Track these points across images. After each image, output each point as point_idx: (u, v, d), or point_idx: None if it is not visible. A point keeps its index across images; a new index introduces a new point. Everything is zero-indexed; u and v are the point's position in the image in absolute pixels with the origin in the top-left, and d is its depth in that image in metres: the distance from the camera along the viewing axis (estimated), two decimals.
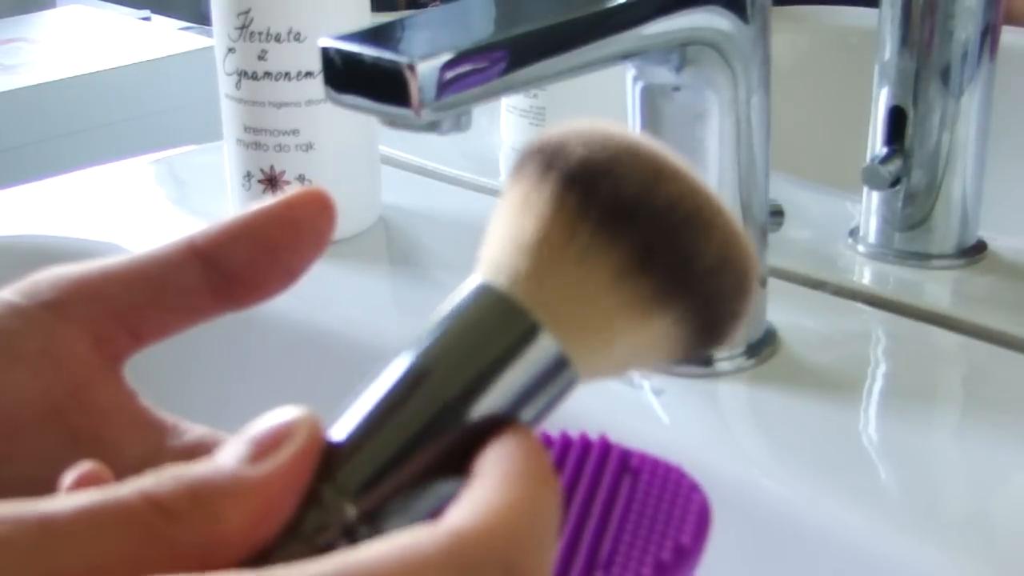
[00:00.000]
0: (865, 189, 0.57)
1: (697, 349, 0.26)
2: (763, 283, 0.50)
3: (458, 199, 0.67)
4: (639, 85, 0.46)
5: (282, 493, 0.23)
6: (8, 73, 0.98)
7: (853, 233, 0.59)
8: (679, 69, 0.45)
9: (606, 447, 0.29)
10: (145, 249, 0.28)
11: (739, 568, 0.43)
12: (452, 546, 0.21)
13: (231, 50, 0.60)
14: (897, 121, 0.56)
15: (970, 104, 0.55)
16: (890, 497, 0.43)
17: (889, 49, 0.55)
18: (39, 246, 0.66)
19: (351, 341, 0.54)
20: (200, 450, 0.27)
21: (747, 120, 0.46)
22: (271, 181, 0.61)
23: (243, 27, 0.59)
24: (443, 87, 0.37)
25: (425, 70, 0.37)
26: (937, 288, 0.56)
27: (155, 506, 0.22)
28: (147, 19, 1.16)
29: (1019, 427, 0.45)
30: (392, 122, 0.38)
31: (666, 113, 0.46)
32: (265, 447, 0.23)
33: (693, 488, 0.28)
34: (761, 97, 0.47)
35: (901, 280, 0.56)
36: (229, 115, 0.62)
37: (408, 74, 0.37)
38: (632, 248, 0.24)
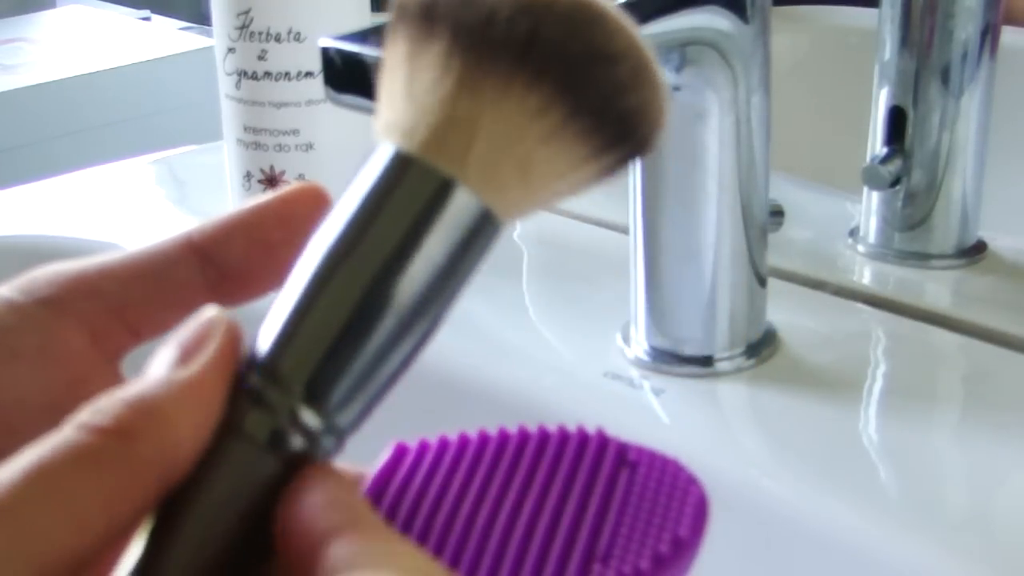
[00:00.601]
0: (865, 189, 0.57)
1: (613, 172, 0.26)
2: (763, 283, 0.50)
3: None
4: None
5: (219, 383, 0.24)
6: (8, 73, 0.98)
7: (853, 233, 0.59)
8: (679, 69, 0.45)
9: (603, 440, 0.29)
10: (142, 245, 0.28)
11: (739, 568, 0.43)
12: None
13: (231, 50, 0.60)
14: (897, 121, 0.56)
15: (970, 104, 0.55)
16: (890, 497, 0.43)
17: (889, 49, 0.55)
18: (39, 246, 0.66)
19: None
20: None
21: (747, 120, 0.46)
22: (271, 181, 0.61)
23: (243, 27, 0.59)
24: None
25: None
26: (937, 288, 0.56)
27: (107, 434, 0.22)
28: (147, 19, 1.16)
29: (1019, 427, 0.45)
30: None
31: None
32: (190, 348, 0.24)
33: (691, 481, 0.28)
34: (761, 97, 0.47)
35: (901, 280, 0.56)
36: (229, 115, 0.62)
37: None
38: (547, 91, 0.24)
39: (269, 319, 0.24)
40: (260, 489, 0.24)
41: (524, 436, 0.29)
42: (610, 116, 0.25)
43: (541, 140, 0.25)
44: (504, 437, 0.29)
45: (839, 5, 0.80)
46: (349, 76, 0.38)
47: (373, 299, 0.24)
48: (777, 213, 0.53)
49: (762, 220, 0.49)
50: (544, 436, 0.29)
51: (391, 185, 0.24)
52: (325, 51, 0.39)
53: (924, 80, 0.54)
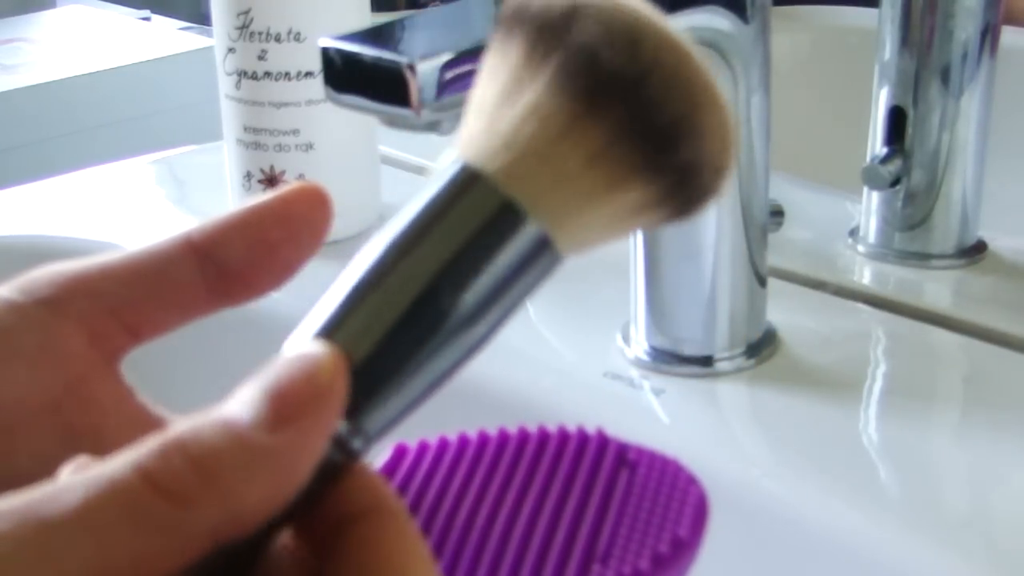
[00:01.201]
0: (865, 189, 0.57)
1: (674, 219, 0.26)
2: (763, 283, 0.50)
3: None
4: None
5: (305, 461, 0.22)
6: (8, 73, 0.98)
7: (853, 233, 0.59)
8: None
9: (603, 441, 0.29)
10: (141, 245, 0.28)
11: (739, 568, 0.43)
12: None
13: (231, 50, 0.60)
14: (897, 121, 0.56)
15: (970, 104, 0.54)
16: (890, 497, 0.43)
17: (889, 49, 0.55)
18: (39, 246, 0.66)
19: None
20: None
21: (747, 120, 0.46)
22: (271, 181, 0.61)
23: (243, 27, 0.59)
24: (443, 87, 0.37)
25: (425, 70, 0.37)
26: (937, 288, 0.56)
27: (163, 492, 0.20)
28: (147, 19, 1.16)
29: (1019, 427, 0.45)
30: (392, 122, 0.38)
31: None
32: (288, 409, 0.21)
33: (690, 481, 0.28)
34: (761, 97, 0.47)
35: (901, 280, 0.56)
36: (229, 115, 0.62)
37: (408, 74, 0.37)
38: (614, 125, 0.24)
39: (309, 318, 0.24)
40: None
41: (524, 436, 0.29)
42: (683, 181, 0.25)
43: (606, 177, 0.25)
44: (504, 437, 0.29)
45: (839, 5, 0.79)
46: (349, 76, 0.38)
47: (417, 313, 0.23)
48: (777, 213, 0.53)
49: (762, 220, 0.49)
50: (544, 436, 0.29)
51: (454, 199, 0.24)
52: (325, 51, 0.39)
53: (924, 80, 0.54)
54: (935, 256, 0.57)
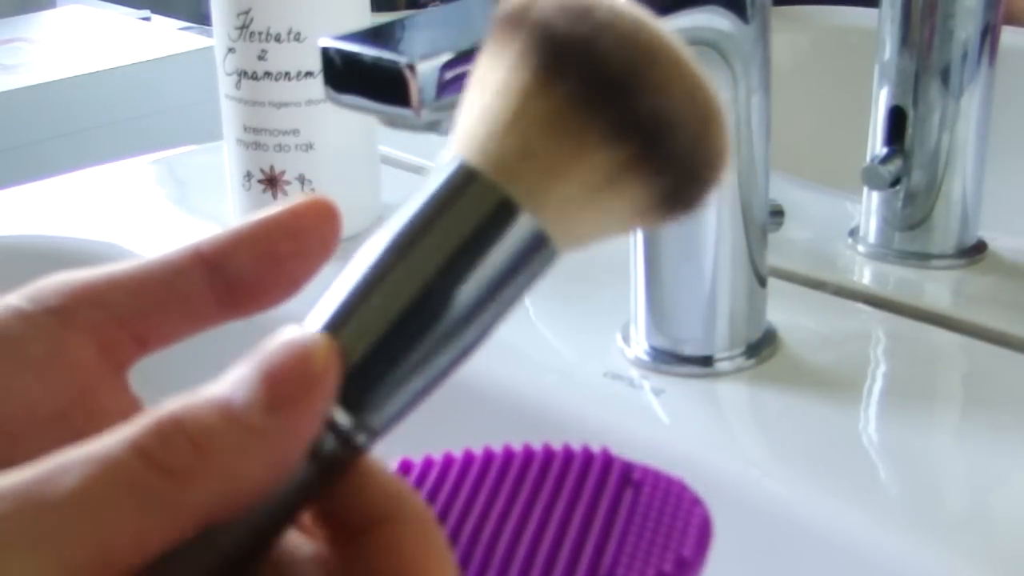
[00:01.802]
0: (865, 189, 0.57)
1: (670, 217, 0.26)
2: (763, 283, 0.50)
3: None
4: None
5: (298, 441, 0.22)
6: (8, 73, 0.98)
7: (853, 233, 0.59)
8: None
9: (608, 459, 0.29)
10: (150, 256, 0.28)
11: (739, 568, 0.43)
12: None
13: (231, 50, 0.60)
14: (897, 121, 0.56)
15: (970, 104, 0.55)
16: (890, 497, 0.43)
17: (889, 49, 0.55)
18: (39, 246, 0.66)
19: None
20: None
21: (747, 120, 0.46)
22: (271, 181, 0.61)
23: (243, 27, 0.59)
24: (443, 87, 0.37)
25: (425, 70, 0.37)
26: (937, 288, 0.56)
27: (160, 469, 0.21)
28: (147, 19, 1.16)
29: (1019, 427, 0.45)
30: (392, 122, 0.38)
31: None
32: (282, 391, 0.22)
33: (695, 501, 0.28)
34: (761, 97, 0.47)
35: (901, 280, 0.56)
36: (229, 115, 0.62)
37: (408, 74, 0.37)
38: (609, 122, 0.24)
39: (312, 315, 0.24)
40: (287, 485, 0.23)
41: (529, 454, 0.29)
42: (679, 174, 0.25)
43: (604, 175, 0.25)
44: (509, 455, 0.29)
45: (839, 5, 0.80)
46: (349, 76, 0.38)
47: (417, 308, 0.24)
48: (777, 213, 0.53)
49: (762, 220, 0.49)
50: (549, 454, 0.29)
51: (451, 197, 0.24)
52: (325, 51, 0.39)
53: (924, 80, 0.54)
54: (935, 256, 0.57)
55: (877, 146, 0.57)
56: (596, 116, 0.24)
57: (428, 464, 0.28)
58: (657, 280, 0.49)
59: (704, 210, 0.47)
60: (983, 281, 0.56)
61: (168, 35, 1.08)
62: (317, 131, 0.60)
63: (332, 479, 0.24)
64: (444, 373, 0.25)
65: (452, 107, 0.38)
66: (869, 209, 0.58)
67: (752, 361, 0.50)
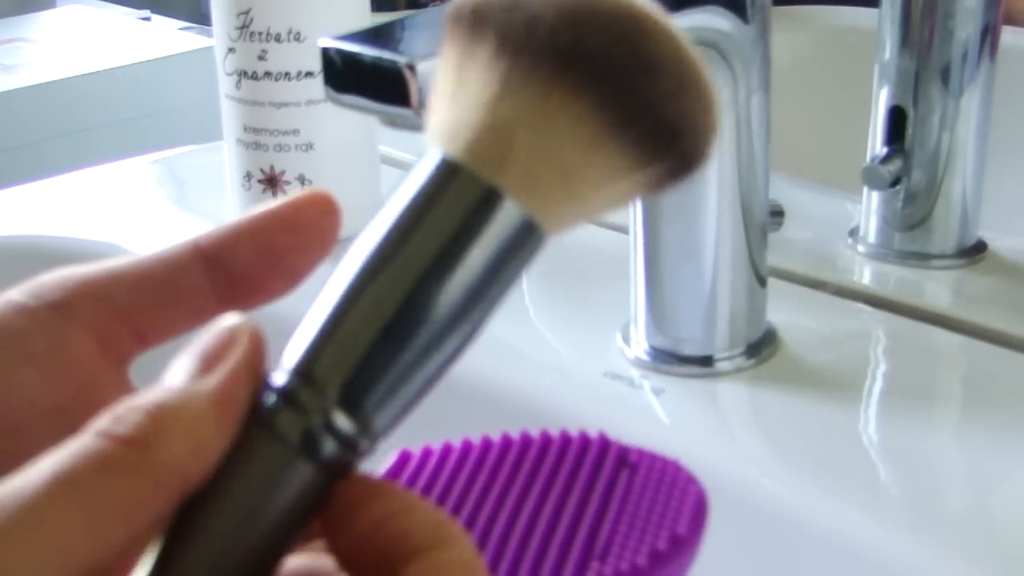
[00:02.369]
0: (865, 189, 0.57)
1: (663, 185, 0.26)
2: (763, 283, 0.50)
3: None
4: None
5: (239, 396, 0.24)
6: (8, 73, 0.98)
7: (853, 233, 0.59)
8: None
9: (605, 443, 0.29)
10: (150, 251, 0.28)
11: (739, 568, 0.43)
12: None
13: (231, 50, 0.60)
14: (897, 121, 0.56)
15: (970, 104, 0.55)
16: (890, 497, 0.43)
17: (889, 49, 0.55)
18: (39, 246, 0.66)
19: None
20: None
21: (747, 120, 0.46)
22: (271, 181, 0.61)
23: (243, 27, 0.59)
24: None
25: (425, 70, 0.37)
26: (937, 288, 0.56)
27: (126, 443, 0.22)
28: (147, 19, 1.16)
29: (1019, 427, 0.45)
30: (392, 122, 0.38)
31: None
32: (211, 357, 0.24)
33: (690, 480, 0.28)
34: (761, 97, 0.47)
35: (901, 280, 0.56)
36: (229, 115, 0.62)
37: (408, 74, 0.37)
38: (589, 100, 0.24)
39: (307, 319, 0.24)
40: (287, 491, 0.23)
41: (527, 440, 0.29)
42: (654, 126, 0.25)
43: (583, 149, 0.25)
44: (507, 442, 0.29)
45: (839, 5, 0.80)
46: (349, 76, 0.38)
47: (413, 305, 0.24)
48: (777, 213, 0.53)
49: (762, 220, 0.49)
50: (546, 440, 0.29)
51: (437, 192, 0.24)
52: (325, 51, 0.39)
53: (924, 80, 0.54)
54: (935, 256, 0.57)
55: (877, 146, 0.57)
56: (582, 102, 0.24)
57: (427, 453, 0.29)
58: (657, 280, 0.49)
59: (701, 205, 0.47)
60: (983, 281, 0.56)
61: (168, 35, 1.08)
62: (317, 131, 0.60)
63: (336, 484, 0.24)
64: (443, 368, 0.25)
65: None
66: (869, 209, 0.58)
67: (752, 361, 0.50)
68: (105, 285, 0.27)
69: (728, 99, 0.46)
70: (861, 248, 0.58)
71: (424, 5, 0.86)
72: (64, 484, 0.21)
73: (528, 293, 0.58)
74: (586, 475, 0.28)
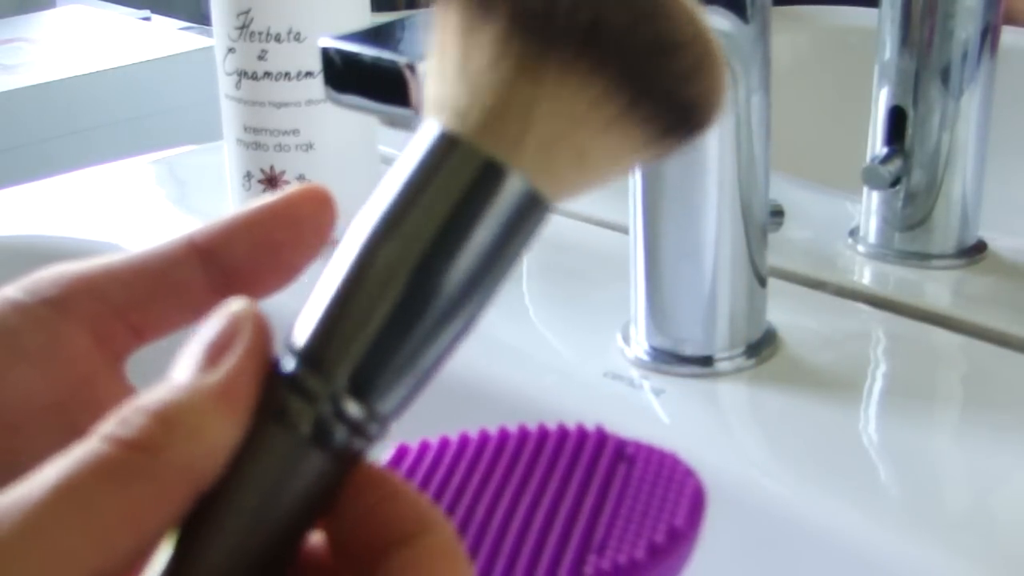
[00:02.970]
0: (865, 189, 0.57)
1: (668, 151, 0.25)
2: (763, 283, 0.50)
3: None
4: None
5: (249, 386, 0.23)
6: (8, 73, 0.98)
7: (853, 233, 0.59)
8: None
9: (602, 436, 0.29)
10: (145, 246, 0.28)
11: (739, 567, 0.43)
12: None
13: (231, 50, 0.60)
14: (897, 121, 0.56)
15: (970, 104, 0.55)
16: (890, 497, 0.43)
17: (889, 49, 0.55)
18: (39, 246, 0.66)
19: None
20: None
21: (747, 120, 0.46)
22: (271, 181, 0.61)
23: (243, 27, 0.59)
24: None
25: (425, 70, 0.37)
26: (937, 288, 0.56)
27: (131, 447, 0.22)
28: (147, 19, 1.16)
29: (1019, 427, 0.45)
30: (392, 122, 0.38)
31: None
32: (216, 349, 0.23)
33: (688, 473, 0.28)
34: (761, 97, 0.47)
35: (901, 280, 0.56)
36: (229, 115, 0.62)
37: (408, 74, 0.37)
38: (606, 81, 0.24)
39: (310, 304, 0.24)
40: (301, 481, 0.23)
41: (524, 434, 0.29)
42: (671, 105, 0.25)
43: (598, 127, 0.24)
44: (504, 436, 0.29)
45: (839, 5, 0.80)
46: (349, 76, 0.38)
47: (418, 284, 0.23)
48: (777, 213, 0.53)
49: (762, 220, 0.49)
50: (543, 434, 0.29)
51: (436, 166, 0.24)
52: (325, 51, 0.39)
53: (924, 80, 0.54)
54: (935, 256, 0.57)
55: (877, 146, 0.57)
56: (582, 68, 0.24)
57: (424, 447, 0.29)
58: (657, 280, 0.49)
59: (701, 205, 0.47)
60: (983, 281, 0.56)
61: (168, 35, 1.08)
62: (317, 131, 0.60)
63: (348, 473, 0.24)
64: (449, 348, 0.24)
65: None
66: (869, 209, 0.58)
67: (752, 361, 0.50)
68: (100, 281, 0.27)
69: (728, 99, 0.46)
70: (861, 248, 0.58)
71: (424, 5, 0.86)
72: (68, 492, 0.21)
73: (528, 293, 0.58)
74: (583, 468, 0.28)
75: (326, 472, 0.23)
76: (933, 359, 0.52)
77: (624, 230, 0.51)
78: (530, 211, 0.24)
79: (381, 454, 0.28)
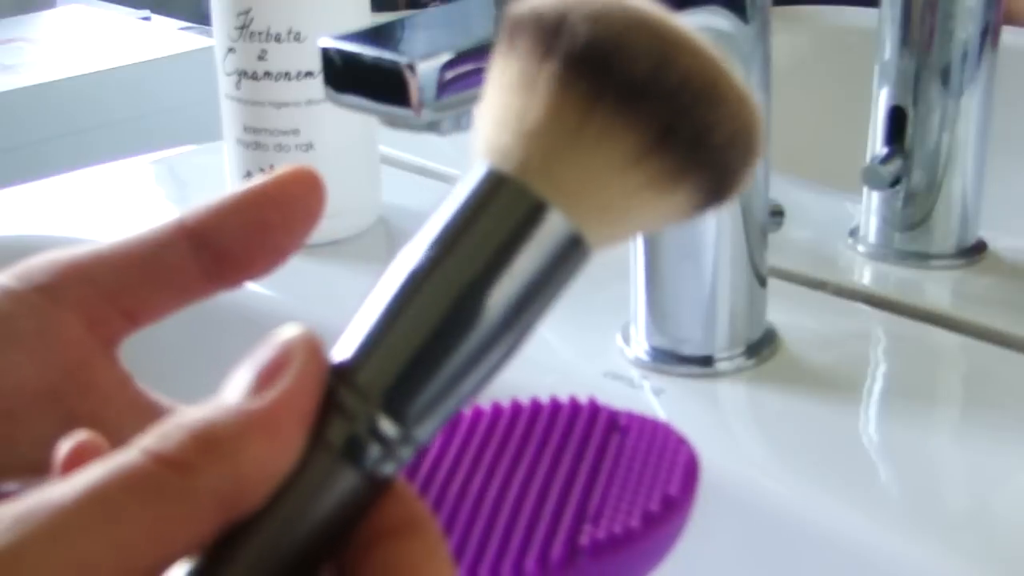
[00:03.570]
0: (865, 189, 0.57)
1: (700, 212, 0.26)
2: (763, 283, 0.50)
3: None
4: None
5: (293, 418, 0.22)
6: (8, 73, 0.98)
7: (853, 233, 0.59)
8: None
9: (595, 408, 0.29)
10: (136, 231, 0.28)
11: (738, 567, 0.43)
12: None
13: (231, 50, 0.60)
14: (897, 121, 0.56)
15: (970, 104, 0.55)
16: (890, 497, 0.43)
17: (889, 49, 0.55)
18: (39, 246, 0.66)
19: None
20: None
21: None
22: None
23: (243, 27, 0.59)
24: (443, 87, 0.37)
25: (425, 70, 0.37)
26: (937, 288, 0.56)
27: (166, 464, 0.21)
28: (147, 19, 1.16)
29: (1019, 427, 0.45)
30: (392, 122, 0.38)
31: None
32: (267, 375, 0.23)
33: (680, 442, 0.28)
34: (761, 97, 0.47)
35: (901, 280, 0.56)
36: (229, 115, 0.62)
37: (408, 74, 0.37)
38: (644, 128, 0.24)
39: (353, 324, 0.24)
40: (328, 497, 0.23)
41: (517, 408, 0.29)
42: (712, 168, 0.25)
43: (631, 169, 0.25)
44: (497, 410, 0.29)
45: (839, 5, 0.80)
46: (349, 76, 0.38)
47: (459, 313, 0.24)
48: (777, 213, 0.53)
49: (762, 220, 0.49)
50: (536, 407, 0.29)
51: (486, 203, 0.24)
52: (325, 51, 0.39)
53: (924, 80, 0.54)
54: (935, 256, 0.57)
55: (877, 146, 0.57)
56: (632, 123, 0.24)
57: None
58: (657, 280, 0.49)
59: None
60: (983, 281, 0.56)
61: (168, 35, 1.08)
62: (317, 131, 0.60)
63: (377, 497, 0.23)
64: (484, 379, 0.25)
65: (452, 107, 0.38)
66: (869, 209, 0.58)
67: (752, 361, 0.50)
68: (91, 267, 0.27)
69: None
70: (861, 248, 0.58)
71: (424, 5, 0.86)
72: (96, 500, 0.21)
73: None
74: (577, 440, 0.28)
75: (356, 491, 0.23)
76: (933, 359, 0.52)
77: None
78: (571, 253, 0.25)
79: None
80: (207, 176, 0.73)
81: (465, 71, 0.38)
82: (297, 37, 0.59)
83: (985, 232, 0.57)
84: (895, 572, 0.40)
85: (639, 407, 0.48)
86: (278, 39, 0.59)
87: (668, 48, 0.24)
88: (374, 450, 0.23)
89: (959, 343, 0.52)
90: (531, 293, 0.25)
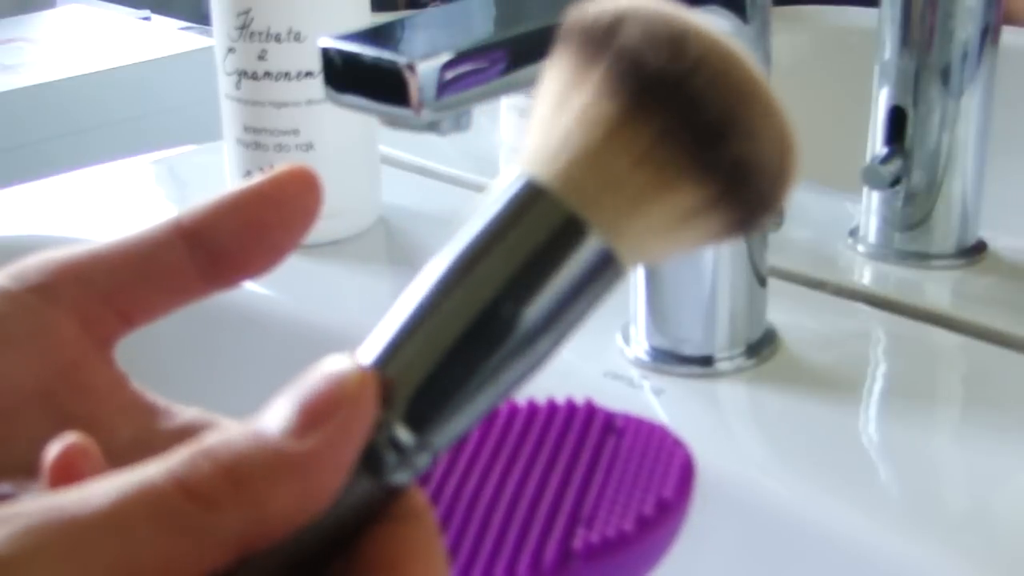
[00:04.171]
0: (865, 189, 0.57)
1: (735, 229, 0.26)
2: (763, 283, 0.50)
3: (458, 199, 0.67)
4: None
5: (331, 468, 0.21)
6: (8, 73, 0.98)
7: (853, 233, 0.59)
8: None
9: (591, 410, 0.29)
10: (132, 231, 0.28)
11: (738, 567, 0.43)
12: None
13: (231, 50, 0.60)
14: (897, 121, 0.56)
15: (970, 104, 0.54)
16: (890, 497, 0.43)
17: (889, 49, 0.55)
18: (39, 246, 0.66)
19: (351, 340, 0.54)
20: (191, 432, 0.27)
21: None
22: None
23: (243, 27, 0.59)
24: (443, 87, 0.37)
25: (425, 70, 0.37)
26: (937, 288, 0.56)
27: (191, 495, 0.20)
28: (147, 19, 1.16)
29: (1019, 427, 0.45)
30: (392, 122, 0.38)
31: None
32: (311, 414, 0.21)
33: (676, 444, 0.28)
34: None
35: (901, 280, 0.56)
36: (229, 115, 0.62)
37: (408, 74, 0.37)
38: (691, 156, 0.24)
39: (377, 331, 0.24)
40: (346, 505, 0.22)
41: (513, 409, 0.29)
42: (750, 201, 0.25)
43: (670, 189, 0.24)
44: (495, 412, 0.29)
45: (839, 5, 0.79)
46: (349, 76, 0.38)
47: (485, 323, 0.23)
48: (777, 213, 0.53)
49: None
50: (533, 409, 0.29)
51: (520, 214, 0.24)
52: (325, 51, 0.39)
53: (924, 80, 0.54)
54: (935, 256, 0.57)
55: (877, 146, 0.57)
56: (681, 154, 0.24)
57: None
58: (657, 280, 0.49)
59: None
60: (983, 281, 0.56)
61: (168, 35, 1.08)
62: (317, 131, 0.60)
63: (388, 505, 0.23)
64: (506, 394, 0.24)
65: (452, 107, 0.38)
66: (869, 209, 0.58)
67: (752, 361, 0.50)
68: (87, 267, 0.27)
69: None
70: (861, 248, 0.58)
71: (424, 5, 0.86)
72: (113, 519, 0.20)
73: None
74: (573, 441, 0.28)
75: (368, 499, 0.23)
76: (933, 359, 0.52)
77: None
78: (604, 270, 0.24)
79: None
80: (207, 176, 0.73)
81: (465, 71, 0.38)
82: (297, 37, 0.59)
83: (985, 232, 0.57)
84: (895, 572, 0.40)
85: (639, 407, 0.48)
86: (278, 39, 0.59)
87: (738, 100, 0.24)
88: (391, 457, 0.23)
89: (959, 343, 0.52)
90: (559, 308, 0.24)
